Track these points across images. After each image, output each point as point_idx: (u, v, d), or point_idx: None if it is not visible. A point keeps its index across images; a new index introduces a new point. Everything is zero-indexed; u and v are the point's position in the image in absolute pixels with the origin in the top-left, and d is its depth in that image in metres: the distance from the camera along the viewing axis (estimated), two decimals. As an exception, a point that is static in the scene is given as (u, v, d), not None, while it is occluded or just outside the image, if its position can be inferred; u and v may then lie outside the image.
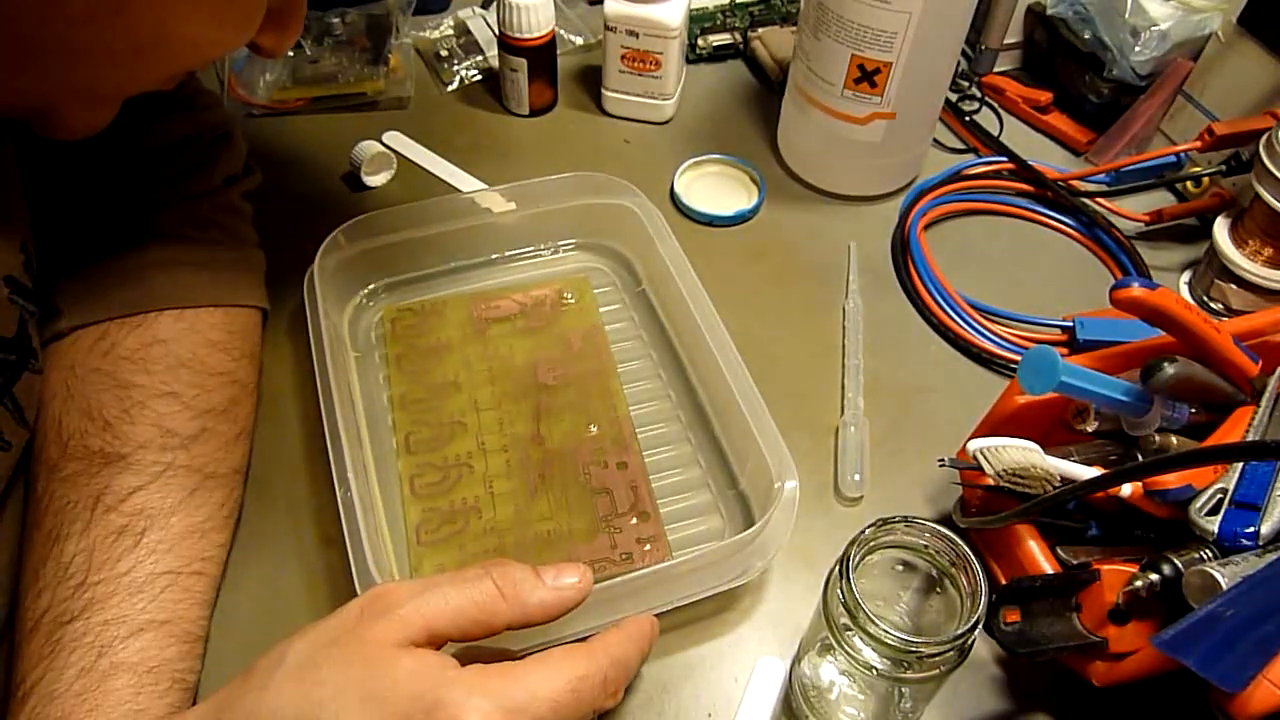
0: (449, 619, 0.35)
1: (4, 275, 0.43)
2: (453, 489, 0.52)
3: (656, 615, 0.42)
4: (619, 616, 0.44)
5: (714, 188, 0.71)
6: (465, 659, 0.34)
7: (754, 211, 0.69)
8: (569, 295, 0.62)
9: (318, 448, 0.54)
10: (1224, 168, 0.65)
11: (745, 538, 0.45)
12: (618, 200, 0.62)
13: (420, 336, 0.59)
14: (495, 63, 0.78)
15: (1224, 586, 0.36)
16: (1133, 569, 0.41)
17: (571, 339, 0.59)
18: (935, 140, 0.74)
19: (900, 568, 0.41)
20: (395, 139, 0.73)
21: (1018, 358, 0.60)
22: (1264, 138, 0.58)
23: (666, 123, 0.77)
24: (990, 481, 0.44)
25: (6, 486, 0.44)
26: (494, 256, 0.64)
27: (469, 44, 0.81)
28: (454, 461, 0.53)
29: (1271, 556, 0.38)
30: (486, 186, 0.69)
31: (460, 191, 0.69)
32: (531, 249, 0.65)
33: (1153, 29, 0.68)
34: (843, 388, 0.59)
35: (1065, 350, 0.61)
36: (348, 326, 0.59)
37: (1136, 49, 0.69)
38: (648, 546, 0.50)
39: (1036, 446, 0.44)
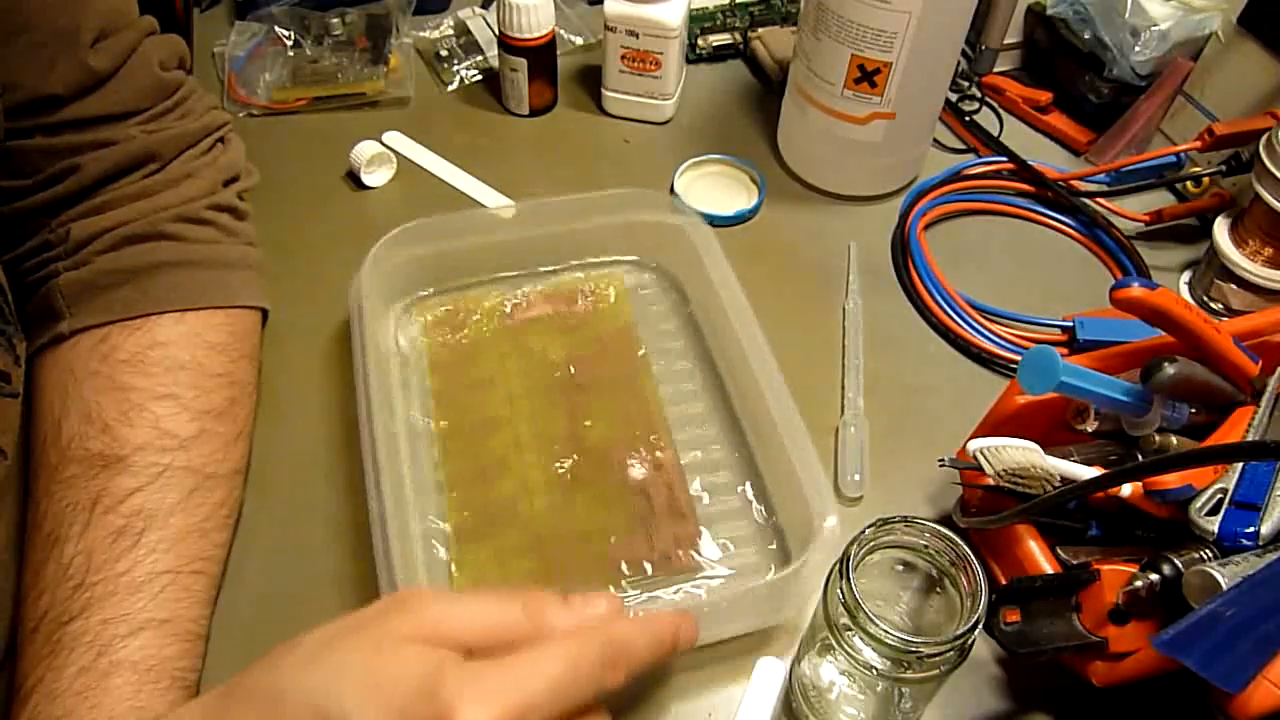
0: (471, 631, 0.34)
1: None
2: (491, 486, 0.52)
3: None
4: None
5: (714, 188, 0.71)
6: None
7: (754, 211, 0.69)
8: (603, 293, 0.62)
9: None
10: (1224, 168, 0.65)
11: (781, 579, 0.45)
12: (667, 219, 0.61)
13: (456, 343, 0.59)
14: (495, 63, 0.78)
15: (1224, 586, 0.36)
16: (1133, 569, 0.41)
17: (605, 339, 0.59)
18: (935, 140, 0.74)
19: (900, 568, 0.41)
20: (395, 139, 0.73)
21: (1018, 358, 0.60)
22: (1264, 138, 0.58)
23: (666, 123, 0.77)
24: (990, 481, 0.44)
25: None
26: (540, 270, 0.63)
27: (469, 44, 0.81)
28: (490, 460, 0.53)
29: (1271, 556, 0.38)
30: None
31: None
32: (577, 262, 0.64)
33: (1153, 29, 0.68)
34: (843, 388, 0.59)
35: (1065, 350, 0.61)
36: (384, 334, 0.58)
37: (1136, 49, 0.69)
38: (683, 549, 0.50)
39: (1036, 446, 0.44)
